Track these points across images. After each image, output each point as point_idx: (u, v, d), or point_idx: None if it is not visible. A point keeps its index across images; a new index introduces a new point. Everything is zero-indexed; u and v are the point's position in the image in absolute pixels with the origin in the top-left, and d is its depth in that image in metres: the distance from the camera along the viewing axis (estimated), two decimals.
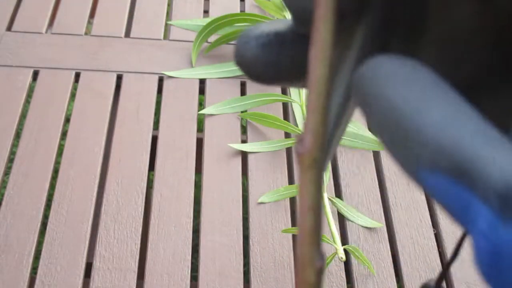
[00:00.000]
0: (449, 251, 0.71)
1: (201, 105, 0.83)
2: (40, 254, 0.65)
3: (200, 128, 0.80)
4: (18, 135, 0.76)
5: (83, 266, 0.65)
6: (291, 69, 0.17)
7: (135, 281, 0.65)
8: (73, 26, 0.90)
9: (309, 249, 0.14)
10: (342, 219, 0.72)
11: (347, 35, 0.16)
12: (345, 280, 0.67)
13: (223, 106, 0.81)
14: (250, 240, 0.69)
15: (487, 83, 0.16)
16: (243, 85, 0.85)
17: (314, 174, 0.14)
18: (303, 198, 0.14)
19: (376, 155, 0.80)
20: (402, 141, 0.13)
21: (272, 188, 0.74)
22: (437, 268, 0.70)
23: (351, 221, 0.72)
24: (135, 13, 0.94)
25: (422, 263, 0.70)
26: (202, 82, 0.85)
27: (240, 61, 0.17)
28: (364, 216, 0.72)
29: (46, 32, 0.89)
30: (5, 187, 0.70)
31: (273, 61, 0.17)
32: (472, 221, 0.12)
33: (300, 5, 0.16)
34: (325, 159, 0.14)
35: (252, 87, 0.85)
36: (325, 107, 0.14)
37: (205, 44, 0.88)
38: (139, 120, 0.79)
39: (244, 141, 0.79)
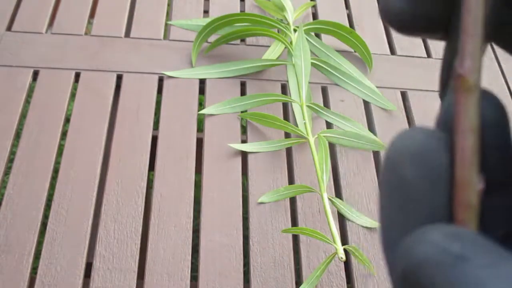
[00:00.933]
0: None
1: (201, 105, 0.83)
2: (40, 254, 0.65)
3: (200, 128, 0.80)
4: (18, 135, 0.76)
5: (83, 266, 0.65)
6: (433, 17, 0.17)
7: (135, 281, 0.65)
8: (73, 26, 0.90)
9: (470, 171, 0.14)
10: (342, 219, 0.72)
11: None
12: (345, 280, 0.67)
13: (223, 106, 0.81)
14: (250, 240, 0.69)
15: None
16: (243, 85, 0.85)
17: (474, 96, 0.14)
18: (463, 120, 0.14)
19: (376, 155, 0.79)
20: None
21: (272, 188, 0.74)
22: None
23: (351, 221, 0.72)
24: (135, 13, 0.94)
25: None
26: (202, 82, 0.85)
27: (385, 8, 0.17)
28: (364, 216, 0.72)
29: (46, 32, 0.89)
30: (5, 187, 0.70)
31: (417, 7, 0.17)
32: None
33: None
34: (480, 83, 0.14)
35: (252, 87, 0.85)
36: (482, 31, 0.14)
37: (205, 44, 0.88)
38: (139, 120, 0.79)
39: (244, 141, 0.79)
